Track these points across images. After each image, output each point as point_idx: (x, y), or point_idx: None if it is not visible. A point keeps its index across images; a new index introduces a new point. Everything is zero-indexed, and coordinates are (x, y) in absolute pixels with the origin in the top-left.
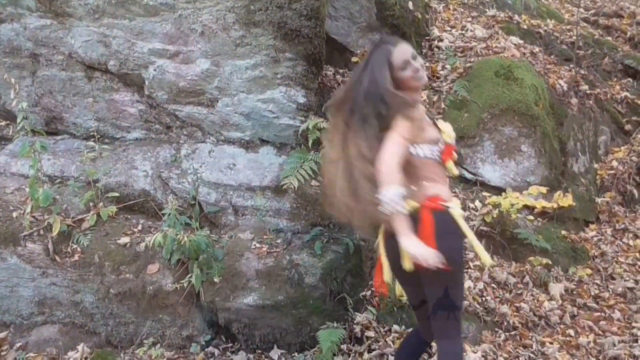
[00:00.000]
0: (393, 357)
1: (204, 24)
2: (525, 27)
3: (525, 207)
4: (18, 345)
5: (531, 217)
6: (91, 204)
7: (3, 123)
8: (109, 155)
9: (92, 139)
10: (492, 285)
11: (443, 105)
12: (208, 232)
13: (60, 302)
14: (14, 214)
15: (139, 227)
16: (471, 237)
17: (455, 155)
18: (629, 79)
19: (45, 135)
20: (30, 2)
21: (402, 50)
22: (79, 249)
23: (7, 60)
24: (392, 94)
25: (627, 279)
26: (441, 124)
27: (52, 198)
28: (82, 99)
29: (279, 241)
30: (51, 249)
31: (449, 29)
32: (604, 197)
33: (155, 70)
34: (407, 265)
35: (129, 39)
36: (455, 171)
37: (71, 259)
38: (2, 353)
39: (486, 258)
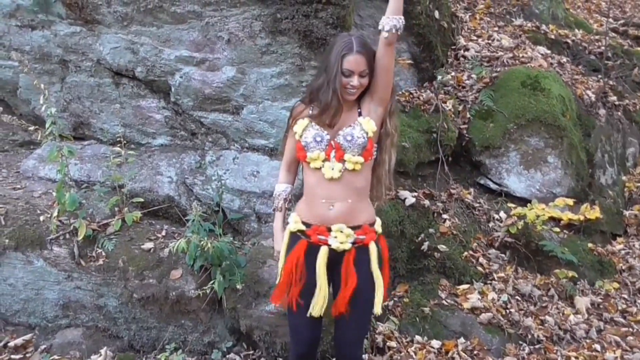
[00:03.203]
0: None
1: (231, 32)
2: (552, 37)
3: (551, 218)
4: (42, 347)
5: (557, 229)
6: (116, 209)
7: (32, 128)
8: (135, 161)
9: (118, 145)
10: (517, 297)
11: (468, 115)
12: (231, 238)
13: (84, 306)
14: (41, 218)
15: (163, 233)
16: None
17: None
18: None
19: (72, 140)
20: (61, 9)
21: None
22: (103, 254)
23: (37, 66)
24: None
25: None
26: None
27: (78, 202)
28: (109, 105)
29: None
30: (76, 253)
31: (475, 38)
32: (632, 210)
33: (181, 77)
34: None
35: (157, 46)
36: None
37: (96, 263)
38: (27, 355)
39: None
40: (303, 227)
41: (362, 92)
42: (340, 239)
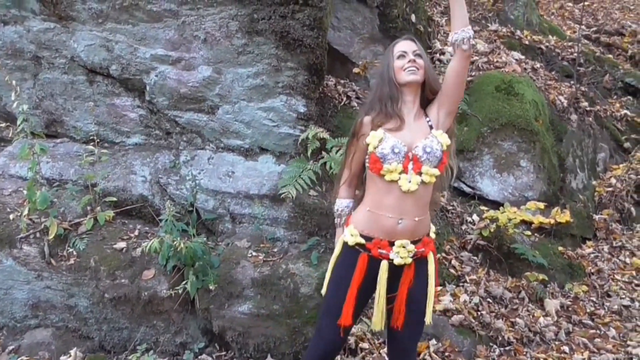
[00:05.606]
0: None
1: (207, 31)
2: (527, 42)
3: (523, 222)
4: (10, 348)
5: (528, 233)
6: (88, 208)
7: (3, 125)
8: (108, 160)
9: (91, 143)
10: (488, 299)
11: None
12: (205, 239)
13: (55, 306)
14: (11, 216)
15: (136, 233)
16: None
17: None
18: (629, 97)
19: (44, 138)
20: (34, 5)
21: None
22: (74, 253)
23: (9, 63)
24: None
25: (623, 296)
26: None
27: (49, 201)
28: (82, 103)
29: (275, 250)
30: (47, 252)
31: None
32: (601, 214)
33: (157, 76)
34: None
35: (132, 44)
36: None
37: (67, 262)
38: None
39: None
40: (362, 241)
41: (429, 101)
42: (402, 254)
